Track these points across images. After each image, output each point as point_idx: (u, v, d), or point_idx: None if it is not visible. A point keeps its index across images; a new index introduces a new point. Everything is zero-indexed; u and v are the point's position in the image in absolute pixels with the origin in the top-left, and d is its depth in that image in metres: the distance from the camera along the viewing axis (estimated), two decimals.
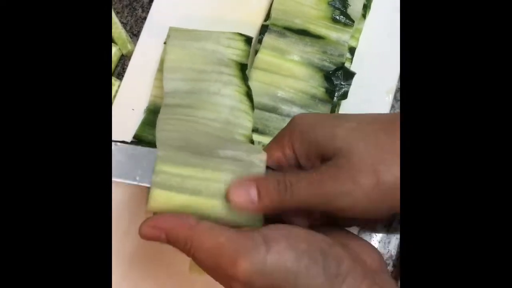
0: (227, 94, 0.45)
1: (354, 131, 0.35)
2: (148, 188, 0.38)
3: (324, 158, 0.36)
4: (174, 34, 0.48)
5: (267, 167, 0.38)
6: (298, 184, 0.35)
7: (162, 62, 0.50)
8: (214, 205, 0.37)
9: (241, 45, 0.48)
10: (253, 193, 0.35)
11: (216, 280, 0.34)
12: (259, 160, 0.38)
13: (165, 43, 0.49)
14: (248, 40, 0.49)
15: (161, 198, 0.37)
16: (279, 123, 0.47)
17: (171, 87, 0.46)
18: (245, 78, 0.47)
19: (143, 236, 0.35)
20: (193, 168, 0.37)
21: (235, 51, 0.48)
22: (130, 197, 0.49)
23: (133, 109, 0.50)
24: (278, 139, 0.38)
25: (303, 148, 0.37)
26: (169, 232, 0.35)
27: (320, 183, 0.34)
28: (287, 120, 0.47)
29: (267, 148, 0.39)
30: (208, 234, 0.34)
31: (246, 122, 0.45)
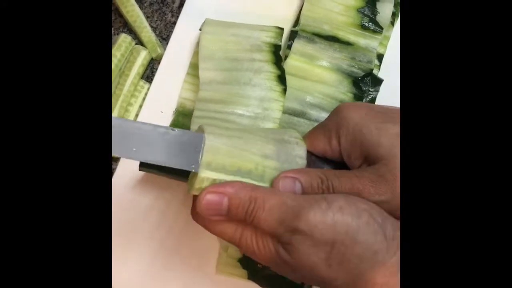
0: (258, 83, 0.46)
1: (399, 139, 0.35)
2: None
3: (366, 161, 0.36)
4: (209, 22, 0.49)
5: (310, 153, 0.39)
6: (340, 187, 0.35)
7: (195, 54, 0.51)
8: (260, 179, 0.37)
9: (274, 29, 0.49)
10: (298, 187, 0.36)
11: (274, 242, 0.34)
12: (297, 139, 0.39)
13: (200, 29, 0.49)
14: (281, 28, 0.49)
15: (207, 181, 0.36)
16: (307, 128, 0.47)
17: (206, 77, 0.47)
18: (278, 61, 0.47)
19: (205, 203, 0.35)
20: (237, 140, 0.37)
21: (269, 33, 0.48)
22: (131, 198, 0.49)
23: (162, 112, 0.51)
24: (324, 131, 0.39)
25: (347, 144, 0.37)
26: (232, 195, 0.35)
27: (361, 190, 0.35)
28: (315, 124, 0.47)
29: (311, 137, 0.40)
30: (271, 193, 0.35)
31: (275, 112, 0.45)
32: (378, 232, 0.33)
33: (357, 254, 0.32)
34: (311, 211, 0.33)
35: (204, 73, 0.47)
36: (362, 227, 0.33)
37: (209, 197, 0.35)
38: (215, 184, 0.36)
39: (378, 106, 0.39)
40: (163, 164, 0.37)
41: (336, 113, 0.38)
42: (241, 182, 0.36)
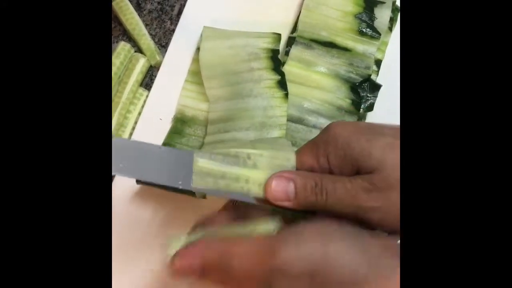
0: (259, 93, 0.46)
1: (390, 149, 0.35)
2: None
3: (358, 172, 0.36)
4: (206, 34, 0.49)
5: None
6: (334, 192, 0.35)
7: (194, 62, 0.51)
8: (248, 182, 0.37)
9: (271, 35, 0.49)
10: (291, 189, 0.36)
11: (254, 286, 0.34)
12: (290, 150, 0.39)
13: (198, 48, 0.49)
14: (277, 34, 0.49)
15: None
16: (305, 134, 0.47)
17: (213, 96, 0.48)
18: (276, 66, 0.47)
19: (180, 268, 0.34)
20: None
21: (265, 39, 0.48)
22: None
23: (160, 119, 0.51)
24: (312, 148, 0.38)
25: (337, 160, 0.37)
26: (204, 254, 0.34)
27: (354, 196, 0.35)
28: (314, 130, 0.47)
29: (300, 154, 0.39)
30: (241, 240, 0.35)
31: (280, 119, 0.46)
32: (355, 254, 0.33)
33: (338, 277, 0.32)
34: (284, 248, 0.33)
35: (211, 93, 0.48)
36: (338, 251, 0.32)
37: (183, 262, 0.35)
38: (183, 248, 0.35)
39: (366, 123, 0.39)
40: (150, 181, 0.37)
41: (325, 131, 0.38)
42: (206, 240, 0.35)
